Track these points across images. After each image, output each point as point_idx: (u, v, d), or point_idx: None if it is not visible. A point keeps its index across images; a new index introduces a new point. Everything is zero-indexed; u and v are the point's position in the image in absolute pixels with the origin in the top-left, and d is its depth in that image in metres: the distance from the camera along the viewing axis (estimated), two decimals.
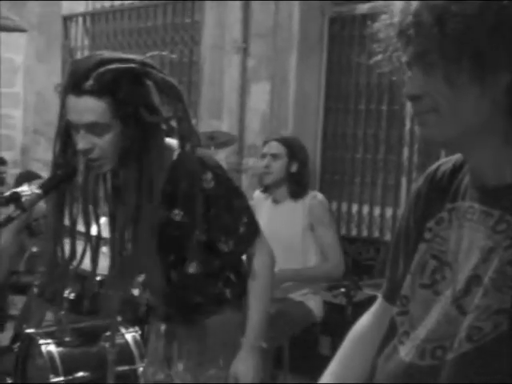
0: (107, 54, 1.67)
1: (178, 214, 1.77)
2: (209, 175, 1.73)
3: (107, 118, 1.62)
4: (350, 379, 1.33)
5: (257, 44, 4.95)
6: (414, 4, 1.01)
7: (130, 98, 1.62)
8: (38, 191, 1.61)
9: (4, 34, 6.37)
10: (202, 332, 1.91)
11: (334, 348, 3.83)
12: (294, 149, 3.23)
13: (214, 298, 1.91)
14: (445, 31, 0.96)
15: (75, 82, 1.61)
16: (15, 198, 1.56)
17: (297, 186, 3.20)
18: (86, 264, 3.10)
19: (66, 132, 1.72)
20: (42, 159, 6.36)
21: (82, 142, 1.65)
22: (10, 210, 1.59)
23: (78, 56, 6.58)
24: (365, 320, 1.37)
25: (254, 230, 1.87)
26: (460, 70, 0.98)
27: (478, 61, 0.96)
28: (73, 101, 1.63)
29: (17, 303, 4.84)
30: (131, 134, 1.65)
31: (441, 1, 0.98)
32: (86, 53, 6.52)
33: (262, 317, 1.88)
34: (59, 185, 1.67)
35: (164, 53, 2.11)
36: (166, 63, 5.75)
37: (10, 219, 1.56)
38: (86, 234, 1.85)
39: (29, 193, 1.59)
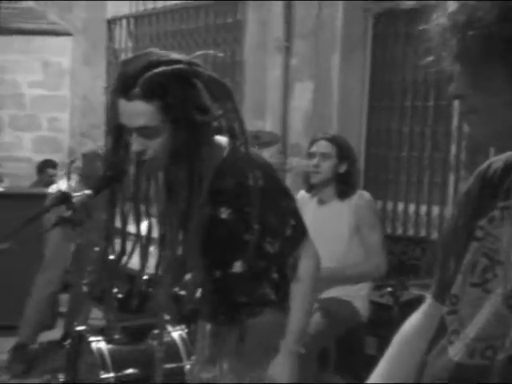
0: (155, 54, 1.67)
1: (224, 212, 1.77)
2: (258, 173, 1.71)
3: (157, 121, 1.63)
4: (398, 379, 1.32)
5: (299, 43, 4.94)
6: (457, 4, 1.01)
7: (179, 100, 1.62)
8: (88, 192, 1.65)
9: (51, 39, 6.52)
10: (245, 333, 1.90)
11: (380, 348, 3.81)
12: (343, 148, 3.20)
13: (258, 299, 1.89)
14: (472, 34, 0.97)
15: (124, 87, 1.62)
16: (66, 199, 1.60)
17: (345, 186, 3.16)
18: (134, 263, 3.17)
19: (117, 132, 1.74)
20: None
21: (135, 144, 1.67)
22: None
23: (123, 58, 6.69)
24: (414, 320, 1.36)
25: (300, 232, 1.84)
26: (490, 74, 0.99)
27: (507, 65, 0.96)
28: (123, 104, 1.64)
29: (65, 301, 4.95)
30: (182, 135, 1.66)
31: (474, 1, 0.97)
32: (130, 55, 6.61)
33: (303, 321, 1.85)
34: (109, 185, 1.70)
35: (211, 51, 2.11)
36: (208, 63, 5.80)
37: (61, 220, 1.60)
38: (137, 234, 1.87)
39: (79, 194, 1.63)
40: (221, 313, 1.95)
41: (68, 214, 1.60)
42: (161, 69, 1.61)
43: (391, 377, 1.33)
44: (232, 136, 1.73)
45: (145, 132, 1.65)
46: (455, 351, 1.12)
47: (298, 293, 1.83)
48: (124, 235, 1.90)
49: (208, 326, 2.03)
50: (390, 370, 1.35)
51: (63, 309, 4.82)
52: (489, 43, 0.96)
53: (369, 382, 1.35)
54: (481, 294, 1.11)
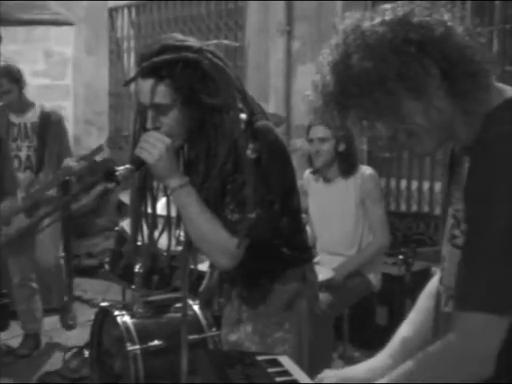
0: (172, 39, 1.81)
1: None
2: (256, 146, 1.81)
3: (168, 99, 1.78)
4: (424, 326, 1.46)
5: (301, 26, 5.04)
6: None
7: (185, 84, 1.76)
8: (130, 166, 1.76)
9: (54, 28, 6.58)
10: (268, 296, 1.99)
11: (391, 318, 3.95)
12: (339, 130, 3.33)
13: (279, 263, 2.00)
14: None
15: (140, 67, 1.78)
16: (111, 173, 1.71)
17: (346, 163, 3.30)
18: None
19: (142, 112, 1.88)
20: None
21: (150, 121, 1.82)
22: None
23: (125, 47, 6.77)
24: (436, 278, 1.49)
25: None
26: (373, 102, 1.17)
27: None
28: (140, 83, 1.80)
29: (80, 285, 5.08)
30: (192, 114, 1.80)
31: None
32: (132, 43, 6.69)
33: None
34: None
35: (225, 41, 2.21)
36: None
37: (106, 191, 1.72)
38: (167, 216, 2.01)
39: (122, 168, 1.74)
40: (244, 277, 2.05)
41: (112, 185, 1.71)
42: (170, 55, 1.76)
43: (419, 324, 1.47)
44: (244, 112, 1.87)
45: (159, 109, 1.79)
46: (443, 302, 1.31)
47: None
48: (154, 212, 2.02)
49: (234, 291, 2.13)
50: (417, 318, 1.49)
51: (78, 293, 4.95)
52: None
53: (400, 329, 1.49)
54: (452, 249, 1.26)
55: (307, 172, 3.55)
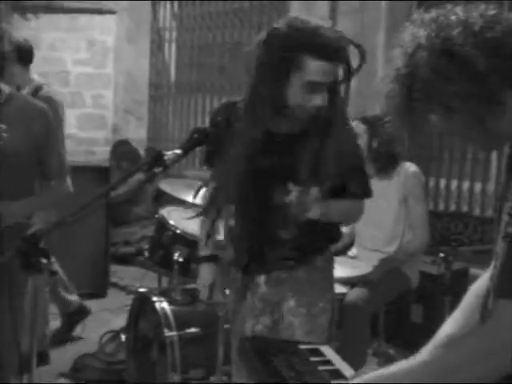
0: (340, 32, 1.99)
1: None
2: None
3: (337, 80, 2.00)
4: (468, 323, 1.44)
5: (344, 21, 5.00)
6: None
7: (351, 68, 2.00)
8: (178, 151, 1.78)
9: (98, 17, 6.66)
10: (312, 270, 2.17)
11: (427, 317, 3.90)
12: (374, 126, 3.30)
13: (324, 238, 2.20)
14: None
15: (324, 50, 1.95)
16: (159, 157, 1.73)
17: (380, 162, 3.27)
18: (193, 229, 3.31)
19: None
20: (133, 138, 6.65)
21: (319, 98, 1.96)
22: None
23: (166, 37, 6.81)
24: (485, 276, 1.47)
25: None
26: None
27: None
28: (316, 63, 1.93)
29: (116, 272, 5.15)
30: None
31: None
32: (174, 34, 6.73)
33: None
34: (196, 146, 1.84)
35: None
36: (251, 43, 5.89)
37: (153, 175, 1.74)
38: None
39: (171, 152, 1.76)
40: (299, 250, 2.17)
41: (160, 169, 1.73)
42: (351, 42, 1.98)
43: (463, 321, 1.46)
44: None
45: (331, 88, 1.97)
46: (490, 299, 1.28)
47: None
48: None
49: (261, 279, 2.19)
50: (462, 315, 1.47)
51: (115, 279, 5.02)
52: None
53: (444, 326, 1.47)
54: (505, 245, 1.22)
55: None
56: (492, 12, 1.16)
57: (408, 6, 4.83)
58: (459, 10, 1.17)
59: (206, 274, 2.32)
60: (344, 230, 3.32)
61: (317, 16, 5.09)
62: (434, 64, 1.14)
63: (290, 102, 1.98)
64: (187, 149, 1.82)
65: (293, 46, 1.93)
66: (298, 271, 2.17)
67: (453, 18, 1.16)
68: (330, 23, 2.03)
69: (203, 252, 2.34)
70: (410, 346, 1.55)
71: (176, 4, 6.67)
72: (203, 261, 2.34)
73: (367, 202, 3.36)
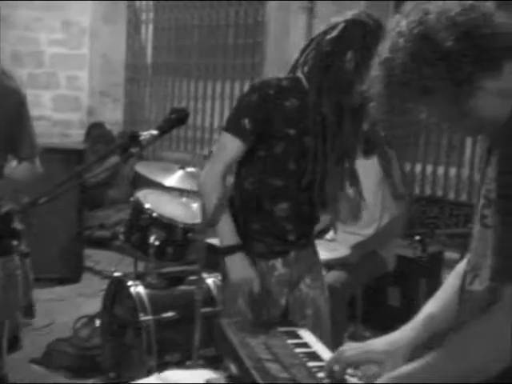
0: None
1: None
2: None
3: None
4: (449, 305, 1.45)
5: (323, 4, 4.97)
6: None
7: None
8: (154, 132, 1.75)
9: None
10: (314, 248, 2.31)
11: (403, 299, 3.91)
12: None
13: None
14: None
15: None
16: (135, 137, 1.70)
17: (366, 144, 3.27)
18: (170, 212, 3.28)
19: None
20: (109, 120, 6.57)
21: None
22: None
23: (143, 18, 6.71)
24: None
25: None
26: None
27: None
28: None
29: (92, 256, 5.09)
30: None
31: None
32: (151, 15, 6.64)
33: None
34: (174, 127, 1.80)
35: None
36: (230, 24, 5.83)
37: (129, 155, 1.71)
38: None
39: (146, 133, 1.73)
40: (307, 233, 2.29)
41: (136, 150, 1.70)
42: None
43: (444, 301, 1.46)
44: None
45: None
46: (468, 280, 1.31)
47: None
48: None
49: (291, 255, 2.23)
50: (443, 296, 1.48)
51: (90, 263, 4.97)
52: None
53: (426, 306, 1.48)
54: (481, 228, 1.25)
55: None
56: (470, 1, 1.20)
57: (386, 7, 4.81)
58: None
59: (242, 266, 2.13)
60: None
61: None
62: (409, 47, 1.19)
63: None
64: (164, 129, 1.79)
65: None
66: (307, 249, 2.28)
67: (431, 6, 1.21)
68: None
69: (227, 241, 2.15)
70: (387, 328, 1.54)
71: None
72: (232, 251, 2.14)
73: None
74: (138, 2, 6.71)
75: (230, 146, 2.14)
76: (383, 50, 1.24)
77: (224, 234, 2.15)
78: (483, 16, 1.19)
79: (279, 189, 2.16)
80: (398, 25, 1.23)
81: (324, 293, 2.32)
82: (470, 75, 1.17)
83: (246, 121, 2.12)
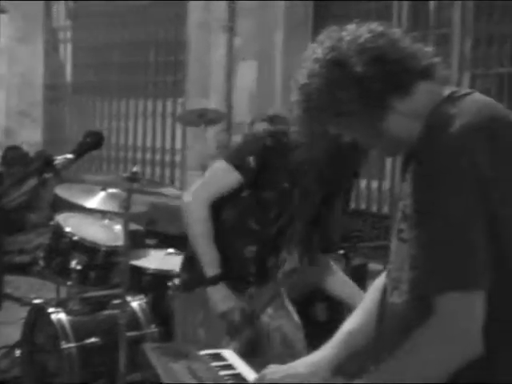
0: None
1: None
2: None
3: None
4: (370, 318, 1.47)
5: (243, 22, 5.03)
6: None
7: None
8: (69, 156, 1.71)
9: None
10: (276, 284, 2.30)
11: (330, 313, 3.91)
12: (279, 125, 3.33)
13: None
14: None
15: None
16: (49, 162, 1.65)
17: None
18: (92, 235, 3.20)
19: None
20: (27, 141, 6.38)
21: None
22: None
23: (61, 37, 6.59)
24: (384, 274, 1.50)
25: None
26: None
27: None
28: None
29: (12, 282, 4.90)
30: None
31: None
32: (69, 34, 6.52)
33: None
34: (89, 150, 1.77)
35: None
36: (151, 42, 5.80)
37: (44, 180, 1.66)
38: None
39: (62, 157, 1.68)
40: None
41: (50, 175, 1.65)
42: None
43: (364, 317, 1.48)
44: None
45: None
46: (388, 293, 1.34)
47: None
48: None
49: (251, 291, 2.21)
50: (363, 311, 1.50)
51: (10, 290, 4.78)
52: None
53: (345, 323, 1.49)
54: (398, 242, 1.30)
55: None
56: (380, 28, 1.27)
57: (305, 8, 4.91)
58: (353, 27, 1.29)
59: (226, 295, 2.12)
60: None
61: (216, 16, 5.11)
62: (324, 73, 1.25)
63: None
64: (80, 153, 1.76)
65: None
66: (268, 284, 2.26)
67: (344, 33, 1.28)
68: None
69: (210, 271, 2.11)
70: (315, 343, 1.56)
71: (71, 2, 6.46)
72: (214, 282, 2.11)
73: None
74: (55, 21, 6.58)
75: (227, 177, 2.10)
76: (301, 76, 1.29)
77: (207, 263, 2.11)
78: (391, 42, 1.26)
79: (254, 233, 2.15)
80: (314, 52, 1.28)
81: (292, 320, 2.30)
82: (380, 98, 1.23)
83: (251, 159, 2.08)
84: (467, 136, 1.16)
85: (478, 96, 1.28)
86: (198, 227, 2.10)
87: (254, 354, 2.13)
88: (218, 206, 2.14)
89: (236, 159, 2.11)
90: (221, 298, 2.10)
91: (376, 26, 1.28)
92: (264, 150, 2.09)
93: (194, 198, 2.12)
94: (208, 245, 2.10)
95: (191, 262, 2.18)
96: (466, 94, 1.27)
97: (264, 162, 2.09)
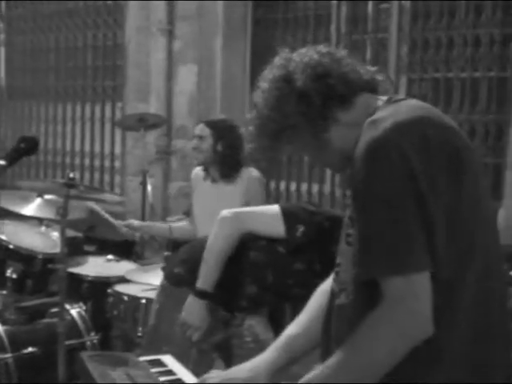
0: None
1: None
2: None
3: None
4: (315, 321, 1.49)
5: (182, 26, 5.01)
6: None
7: None
8: (2, 162, 1.67)
9: None
10: None
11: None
12: (219, 130, 3.32)
13: None
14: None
15: None
16: None
17: (225, 166, 3.30)
18: (28, 243, 3.14)
19: None
20: None
21: None
22: None
23: None
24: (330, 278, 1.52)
25: None
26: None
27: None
28: None
29: None
30: None
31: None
32: (2, 37, 6.34)
33: None
34: (23, 156, 1.73)
35: None
36: (89, 46, 5.71)
37: None
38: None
39: None
40: None
41: None
42: None
43: (306, 321, 1.50)
44: None
45: None
46: (335, 296, 1.37)
47: None
48: None
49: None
50: (305, 316, 1.52)
51: None
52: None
53: (287, 328, 1.51)
54: (346, 247, 1.34)
55: (197, 169, 3.50)
56: (326, 49, 1.39)
57: (244, 12, 4.93)
58: (304, 49, 1.41)
59: (199, 312, 2.19)
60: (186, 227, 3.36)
61: (154, 19, 5.07)
62: (273, 89, 1.36)
63: None
64: (13, 159, 1.72)
65: None
66: None
67: (295, 55, 1.40)
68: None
69: (202, 285, 2.19)
70: None
71: (3, 4, 6.29)
72: (199, 296, 2.19)
73: (211, 207, 3.40)
74: None
75: (273, 227, 2.14)
76: (256, 94, 1.40)
77: (204, 277, 2.18)
78: (335, 60, 1.36)
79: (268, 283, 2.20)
80: (269, 72, 1.40)
81: (263, 320, 2.33)
82: (322, 110, 1.33)
83: (302, 229, 2.12)
84: (398, 131, 1.21)
85: (413, 101, 1.35)
86: (220, 243, 2.18)
87: (223, 354, 2.14)
88: (248, 241, 2.20)
89: (290, 219, 2.14)
90: (194, 311, 2.18)
91: (322, 48, 1.40)
92: (313, 226, 2.12)
93: (233, 217, 2.19)
94: (216, 263, 2.17)
95: (194, 264, 2.22)
96: (401, 99, 1.34)
97: (311, 238, 2.13)
